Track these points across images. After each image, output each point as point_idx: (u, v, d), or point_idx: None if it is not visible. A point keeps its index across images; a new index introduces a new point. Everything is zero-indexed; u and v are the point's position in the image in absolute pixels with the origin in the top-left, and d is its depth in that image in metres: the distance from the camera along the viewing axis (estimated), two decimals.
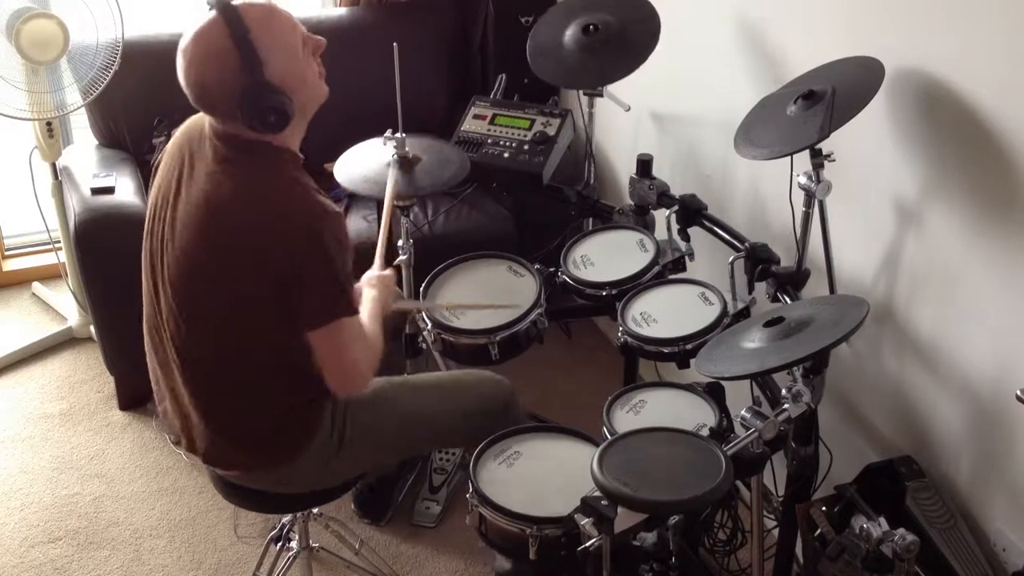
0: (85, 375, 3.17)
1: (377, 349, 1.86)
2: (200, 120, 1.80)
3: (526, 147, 2.65)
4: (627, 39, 2.49)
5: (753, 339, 1.74)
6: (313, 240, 1.67)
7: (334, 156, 2.44)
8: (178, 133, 1.84)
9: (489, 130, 2.72)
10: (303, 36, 1.73)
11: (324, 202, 1.71)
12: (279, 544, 2.24)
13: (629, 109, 2.69)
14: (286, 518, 2.23)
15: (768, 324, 1.75)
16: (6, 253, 3.68)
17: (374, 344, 1.86)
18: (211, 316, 1.77)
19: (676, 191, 2.45)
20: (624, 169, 3.02)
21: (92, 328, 3.22)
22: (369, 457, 2.02)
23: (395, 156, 2.35)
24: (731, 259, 2.17)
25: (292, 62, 1.70)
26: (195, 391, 1.82)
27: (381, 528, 2.58)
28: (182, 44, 1.68)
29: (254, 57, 1.64)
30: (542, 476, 1.83)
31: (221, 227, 1.71)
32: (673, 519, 1.94)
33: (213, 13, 1.65)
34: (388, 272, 2.09)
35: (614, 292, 2.26)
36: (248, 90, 1.64)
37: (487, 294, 2.30)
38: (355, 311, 1.77)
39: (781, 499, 2.06)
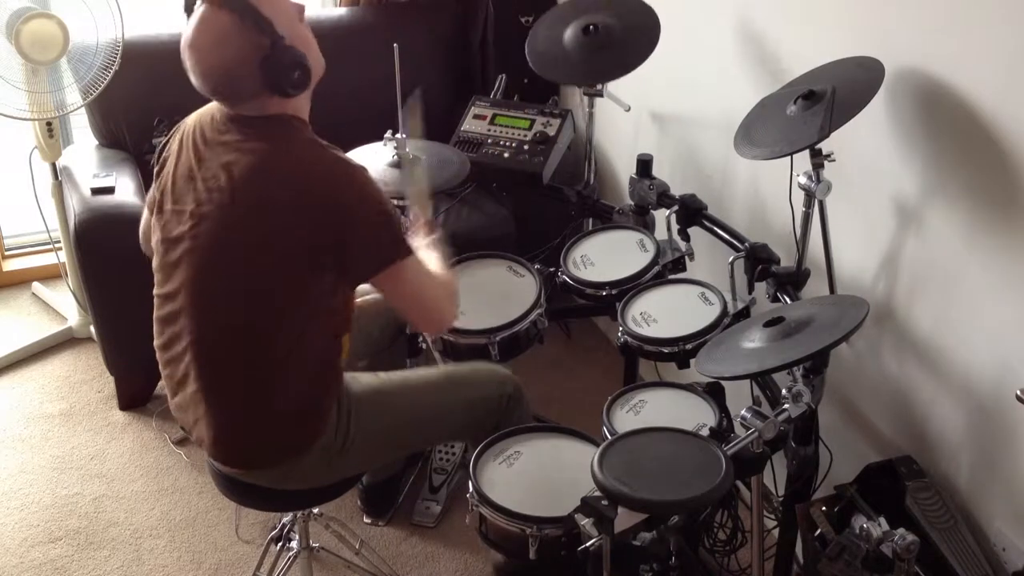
0: (85, 375, 3.16)
1: (450, 281, 1.89)
2: (208, 109, 1.83)
3: (526, 147, 2.65)
4: (627, 41, 2.49)
5: (753, 339, 1.75)
6: (362, 189, 1.71)
7: None
8: (188, 121, 1.85)
9: (489, 130, 2.72)
10: (291, 2, 1.78)
11: (352, 159, 1.76)
12: (279, 544, 2.24)
13: (629, 109, 2.69)
14: (286, 518, 2.23)
15: (768, 324, 1.75)
16: (6, 253, 3.68)
17: (445, 277, 1.89)
18: (233, 302, 1.76)
19: (676, 191, 2.45)
20: (624, 169, 3.02)
21: (92, 328, 3.22)
22: (374, 454, 2.02)
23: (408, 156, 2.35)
24: (731, 259, 2.17)
25: (293, 24, 1.74)
26: (207, 384, 1.81)
27: (381, 528, 2.58)
28: (187, 42, 1.70)
29: (263, 21, 1.67)
30: (542, 476, 1.83)
31: (257, 196, 1.71)
32: (673, 519, 1.94)
33: (203, 5, 1.68)
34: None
35: (614, 292, 2.27)
36: (270, 52, 1.68)
37: (487, 294, 2.30)
38: (414, 249, 1.79)
39: (781, 499, 2.06)
